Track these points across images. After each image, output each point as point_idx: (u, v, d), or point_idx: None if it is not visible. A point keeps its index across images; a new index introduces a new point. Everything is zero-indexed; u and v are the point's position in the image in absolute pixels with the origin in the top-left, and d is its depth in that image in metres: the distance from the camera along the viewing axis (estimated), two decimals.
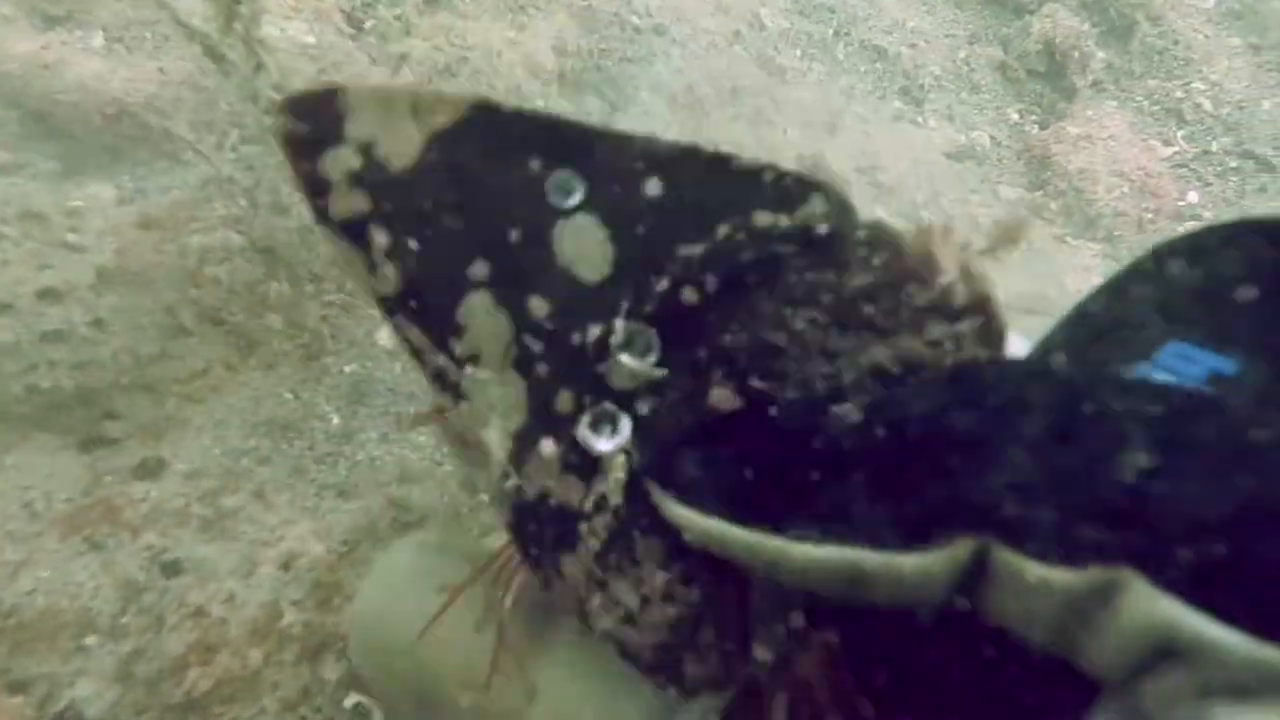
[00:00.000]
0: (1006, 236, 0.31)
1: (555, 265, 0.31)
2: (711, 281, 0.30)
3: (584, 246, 0.31)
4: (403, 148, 0.30)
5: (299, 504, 0.76)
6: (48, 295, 0.66)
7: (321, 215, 0.31)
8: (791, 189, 0.30)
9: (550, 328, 0.30)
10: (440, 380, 0.31)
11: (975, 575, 0.21)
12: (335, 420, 0.81)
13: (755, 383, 0.29)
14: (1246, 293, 0.29)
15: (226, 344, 0.80)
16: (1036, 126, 1.63)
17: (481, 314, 0.30)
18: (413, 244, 0.30)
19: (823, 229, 0.30)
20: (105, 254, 0.69)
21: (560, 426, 0.30)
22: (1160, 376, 0.29)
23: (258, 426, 0.79)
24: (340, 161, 0.30)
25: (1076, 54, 1.66)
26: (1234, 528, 0.19)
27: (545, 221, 0.31)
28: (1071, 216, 1.49)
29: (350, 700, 0.68)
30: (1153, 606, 0.18)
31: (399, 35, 0.83)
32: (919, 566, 0.21)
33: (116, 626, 0.65)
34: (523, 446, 0.30)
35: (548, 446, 0.30)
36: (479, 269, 0.30)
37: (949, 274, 0.29)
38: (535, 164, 0.31)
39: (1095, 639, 0.20)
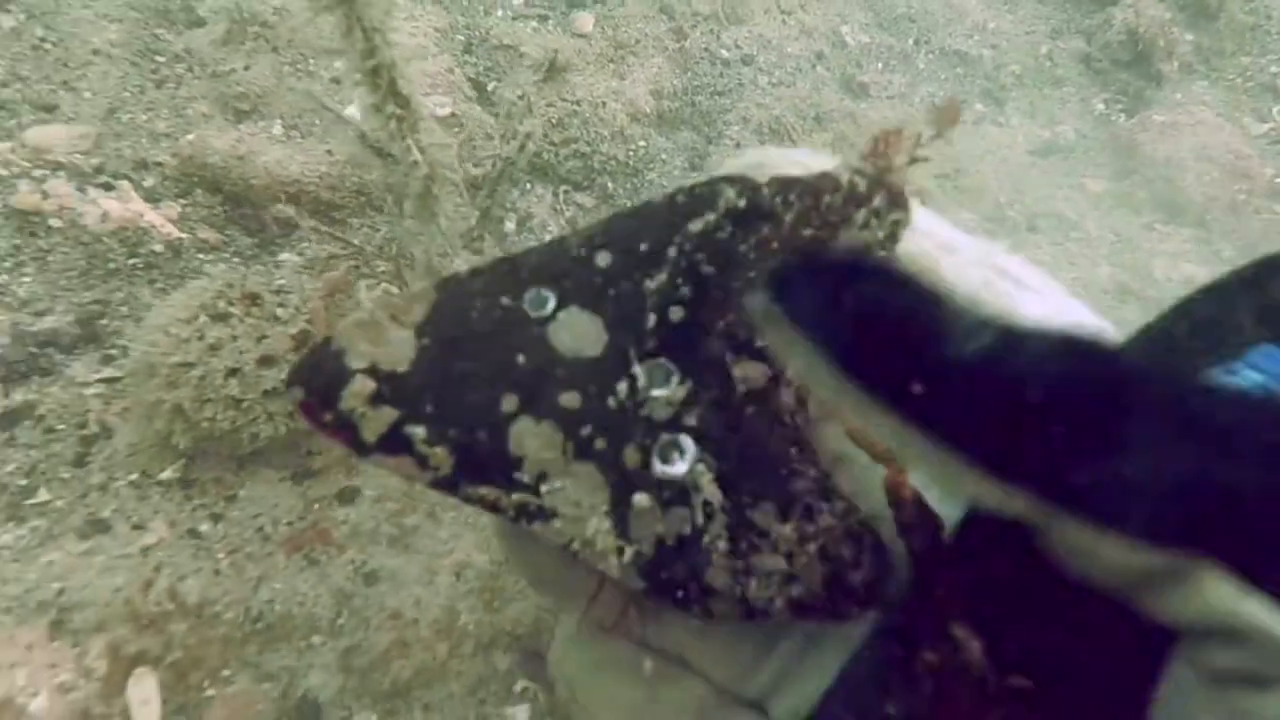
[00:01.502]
0: (946, 118, 0.34)
1: (564, 360, 0.33)
2: (685, 291, 0.34)
3: (577, 334, 0.34)
4: (401, 351, 0.33)
5: (463, 519, 0.85)
6: (265, 361, 0.77)
7: (362, 449, 0.31)
8: (703, 193, 0.35)
9: (588, 409, 0.33)
10: (526, 515, 0.32)
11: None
12: None
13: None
14: None
15: None
16: (1123, 115, 1.55)
17: (530, 436, 0.32)
18: (446, 419, 0.32)
19: (741, 204, 0.34)
20: (301, 323, 0.79)
21: (639, 478, 0.32)
22: (1249, 373, 0.29)
23: None
24: (357, 393, 0.31)
25: (1161, 41, 1.56)
26: None
27: (539, 334, 0.34)
28: (1160, 204, 1.42)
29: (519, 685, 0.77)
30: (1222, 592, 0.19)
31: (522, 114, 0.89)
32: (1121, 558, 0.20)
33: (335, 627, 0.75)
34: (620, 515, 0.32)
35: (639, 499, 0.32)
36: (509, 403, 0.32)
37: (845, 172, 0.34)
38: (506, 299, 0.34)
39: (1161, 605, 0.21)
